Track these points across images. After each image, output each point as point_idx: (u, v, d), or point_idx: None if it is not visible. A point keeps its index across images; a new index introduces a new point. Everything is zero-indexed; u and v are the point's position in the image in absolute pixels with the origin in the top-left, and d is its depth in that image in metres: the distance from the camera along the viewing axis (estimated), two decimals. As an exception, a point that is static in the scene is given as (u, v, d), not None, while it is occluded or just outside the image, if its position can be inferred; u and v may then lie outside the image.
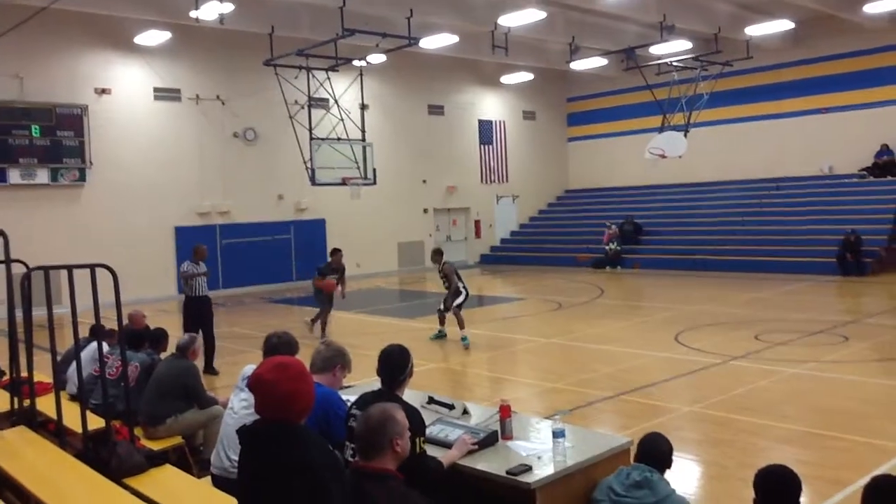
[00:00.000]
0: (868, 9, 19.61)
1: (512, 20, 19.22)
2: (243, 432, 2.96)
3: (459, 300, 12.38)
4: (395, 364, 4.18)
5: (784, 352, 10.81)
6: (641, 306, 16.83)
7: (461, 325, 12.29)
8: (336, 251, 13.95)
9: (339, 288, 13.69)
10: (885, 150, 22.54)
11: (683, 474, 6.44)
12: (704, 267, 21.77)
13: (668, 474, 4.07)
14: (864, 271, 19.26)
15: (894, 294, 16.38)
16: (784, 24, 21.31)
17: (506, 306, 17.48)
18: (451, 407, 5.13)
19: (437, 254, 12.98)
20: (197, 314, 11.05)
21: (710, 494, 6.07)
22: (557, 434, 4.22)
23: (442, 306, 12.74)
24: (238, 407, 5.00)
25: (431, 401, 5.30)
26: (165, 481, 5.05)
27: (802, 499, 5.61)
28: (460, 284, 12.44)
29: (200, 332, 10.36)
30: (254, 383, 2.89)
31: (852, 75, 23.22)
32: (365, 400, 4.11)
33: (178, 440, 6.49)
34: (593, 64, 24.04)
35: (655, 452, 3.95)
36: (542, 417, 7.46)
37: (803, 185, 23.90)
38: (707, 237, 23.24)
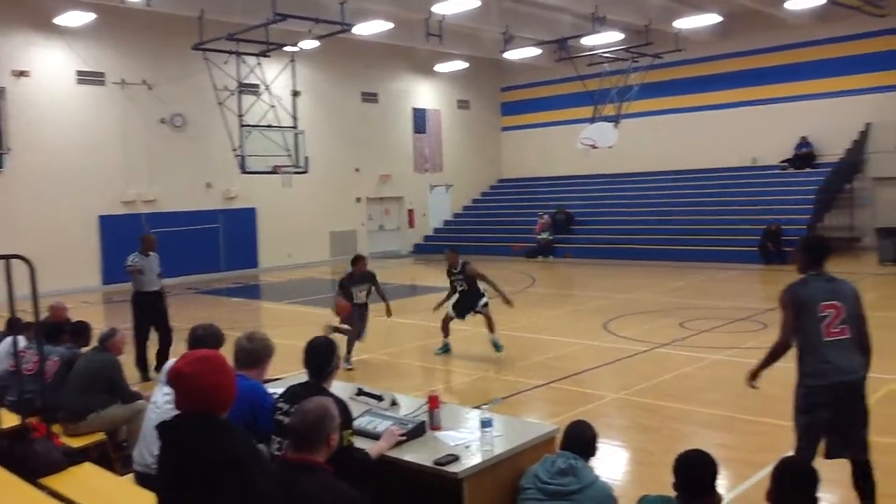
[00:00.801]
0: (790, 5, 20.23)
1: (446, 8, 19.18)
2: (163, 428, 2.90)
3: (485, 299, 10.55)
4: (322, 356, 4.14)
5: (708, 339, 11.12)
6: (573, 295, 17.09)
7: (492, 328, 10.45)
8: (359, 258, 10.58)
9: (358, 312, 10.29)
10: (804, 142, 23.32)
11: (610, 460, 6.57)
12: (634, 256, 22.21)
13: (595, 461, 4.14)
14: (785, 260, 19.91)
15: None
16: (712, 18, 21.81)
17: (438, 296, 17.42)
18: (379, 398, 5.12)
19: (454, 252, 10.92)
20: (150, 311, 10.12)
21: (635, 479, 6.21)
22: (485, 424, 4.26)
23: (452, 313, 10.77)
24: (161, 401, 4.89)
25: (360, 392, 5.28)
26: (85, 479, 4.90)
27: (723, 480, 5.81)
28: (483, 286, 10.60)
29: (153, 329, 10.08)
30: (173, 377, 2.83)
31: (776, 69, 23.94)
32: (293, 393, 4.07)
33: (100, 436, 6.30)
34: (527, 54, 24.21)
35: (580, 440, 4.02)
36: (473, 407, 7.51)
37: (729, 175, 24.56)
38: (637, 227, 23.71)
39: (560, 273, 21.54)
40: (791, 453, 6.14)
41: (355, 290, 10.19)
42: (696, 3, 21.43)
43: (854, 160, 22.51)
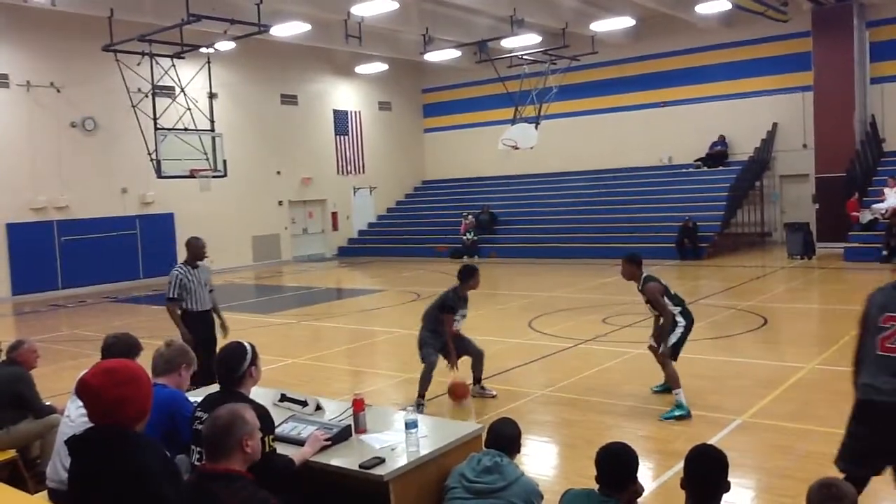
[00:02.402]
0: (699, 9, 20.89)
1: (365, 9, 19.11)
2: (72, 441, 2.79)
3: (676, 336, 7.46)
4: (229, 362, 4.04)
5: (629, 333, 11.37)
6: (497, 294, 17.20)
7: (673, 382, 7.44)
8: (473, 272, 8.59)
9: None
10: (719, 141, 24.12)
11: (536, 456, 6.66)
12: (557, 254, 22.56)
13: (521, 457, 4.18)
14: (701, 255, 20.59)
15: (727, 276, 17.58)
16: (626, 21, 22.34)
17: (364, 298, 17.43)
18: (304, 403, 5.05)
19: (632, 262, 7.66)
20: (202, 335, 7.96)
21: (561, 474, 6.29)
22: (410, 425, 4.25)
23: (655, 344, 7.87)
24: (75, 415, 4.70)
25: (284, 398, 5.21)
26: (-6, 499, 4.67)
27: (646, 471, 5.95)
28: (676, 311, 7.51)
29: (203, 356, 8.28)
30: (80, 389, 2.73)
31: (688, 71, 24.70)
32: (210, 401, 3.97)
33: (10, 454, 6.02)
34: (447, 55, 24.34)
35: (503, 437, 4.05)
36: (400, 409, 7.49)
37: (646, 174, 25.21)
38: (559, 225, 24.10)
39: (485, 273, 21.43)
40: (716, 441, 6.38)
41: (461, 315, 8.24)
42: (611, 6, 21.92)
43: (763, 159, 23.40)
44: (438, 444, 4.31)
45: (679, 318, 7.47)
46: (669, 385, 7.52)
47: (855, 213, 19.55)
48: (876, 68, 21.81)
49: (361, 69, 27.33)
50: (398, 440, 4.33)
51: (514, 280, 19.61)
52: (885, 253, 17.95)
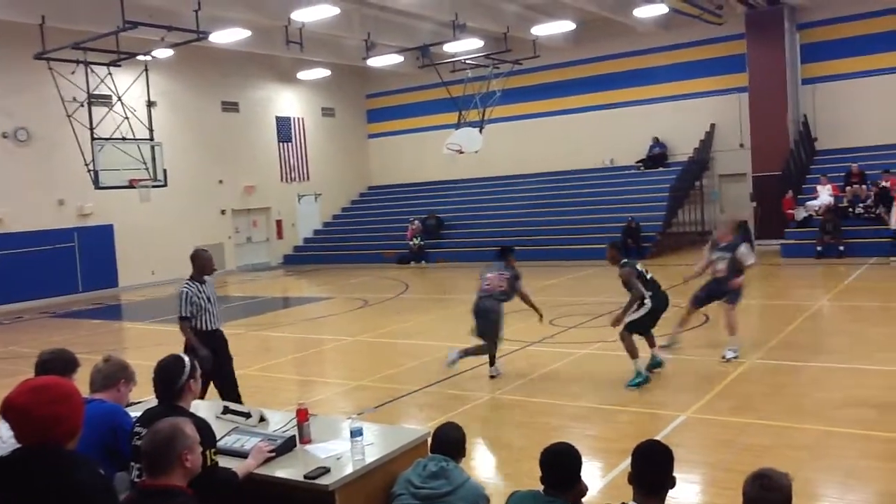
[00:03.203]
0: (637, 13, 21.25)
1: (306, 15, 18.94)
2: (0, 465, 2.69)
3: (638, 314, 8.56)
4: (166, 376, 3.95)
5: (575, 334, 11.50)
6: (446, 299, 17.24)
7: (630, 353, 8.54)
8: (507, 250, 9.99)
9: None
10: (657, 143, 24.56)
11: (484, 459, 6.67)
12: (503, 257, 22.61)
13: (471, 461, 4.17)
14: (644, 255, 20.88)
15: (670, 275, 17.76)
16: (566, 25, 22.60)
17: (312, 306, 17.28)
18: (247, 415, 4.97)
19: (613, 248, 9.13)
20: (215, 354, 7.50)
21: (508, 476, 6.30)
22: (355, 433, 4.21)
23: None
24: (6, 435, 4.54)
25: (227, 410, 5.12)
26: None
27: (594, 470, 6.01)
28: (647, 294, 8.54)
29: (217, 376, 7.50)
30: (4, 409, 2.62)
31: (628, 74, 25.10)
32: (148, 416, 3.88)
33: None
34: (390, 61, 24.29)
35: (448, 441, 4.04)
36: (348, 416, 7.44)
37: (589, 176, 25.52)
38: (505, 229, 24.20)
39: (432, 278, 21.72)
40: (661, 437, 6.47)
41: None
42: (551, 10, 22.16)
43: (702, 159, 23.91)
44: (384, 451, 4.28)
45: (647, 301, 8.46)
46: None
47: (790, 211, 20.08)
48: (807, 69, 22.48)
49: (304, 75, 27.12)
50: (344, 449, 4.29)
51: (463, 284, 19.61)
52: (819, 249, 18.49)
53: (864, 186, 19.44)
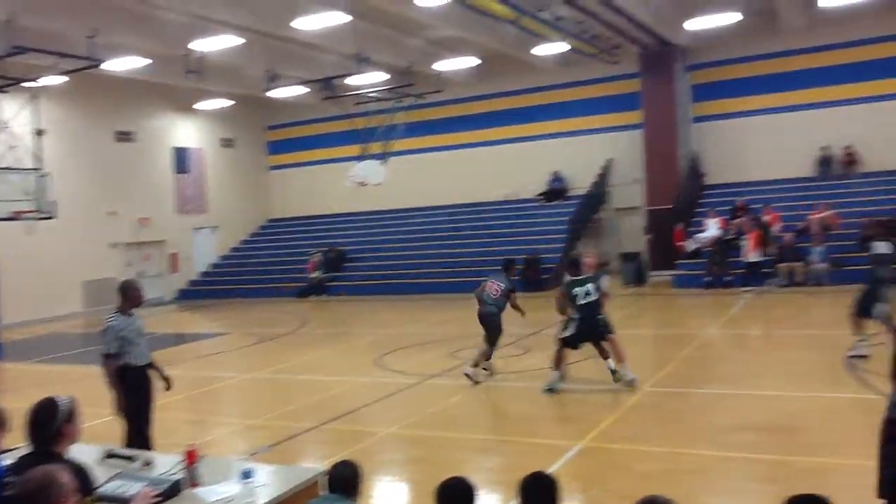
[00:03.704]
0: (537, 51, 21.84)
1: (206, 45, 18.61)
2: None
3: (570, 330, 9.43)
4: (38, 419, 3.72)
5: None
6: (346, 333, 17.04)
7: (553, 363, 9.56)
8: (508, 263, 11.57)
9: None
10: (556, 177, 25.16)
11: (383, 496, 6.55)
12: (406, 290, 22.62)
13: (370, 499, 4.08)
14: (543, 287, 21.25)
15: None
16: (469, 61, 22.99)
17: (206, 343, 16.75)
18: (131, 459, 4.73)
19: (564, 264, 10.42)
20: (147, 392, 7.19)
21: (408, 513, 6.22)
22: (246, 474, 4.07)
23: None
24: None
25: (110, 455, 4.85)
26: None
27: (494, 502, 5.99)
28: (574, 313, 9.40)
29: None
30: None
31: (529, 109, 25.69)
32: (21, 464, 3.63)
33: None
34: (293, 92, 24.11)
35: (342, 480, 3.94)
36: (242, 457, 7.20)
37: (491, 209, 25.87)
38: (408, 261, 24.22)
39: (333, 311, 21.46)
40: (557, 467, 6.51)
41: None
42: (454, 46, 22.52)
43: (599, 192, 24.62)
44: (277, 492, 4.16)
45: (575, 315, 9.32)
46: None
47: (681, 243, 20.87)
48: (697, 108, 23.58)
49: (203, 105, 26.55)
50: (234, 491, 4.12)
51: (363, 317, 19.50)
52: (707, 279, 19.25)
53: (748, 220, 20.41)
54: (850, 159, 21.59)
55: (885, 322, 9.83)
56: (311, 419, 9.02)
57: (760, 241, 18.97)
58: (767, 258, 18.85)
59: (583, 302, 9.22)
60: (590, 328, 9.29)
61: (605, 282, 9.83)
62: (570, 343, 9.45)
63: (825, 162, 21.85)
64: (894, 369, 4.25)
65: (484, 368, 10.42)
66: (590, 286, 9.33)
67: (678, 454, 6.94)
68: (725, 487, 6.19)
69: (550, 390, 9.31)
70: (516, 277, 11.77)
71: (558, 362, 9.44)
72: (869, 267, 10.36)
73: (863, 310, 10.04)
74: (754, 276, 18.64)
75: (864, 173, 21.29)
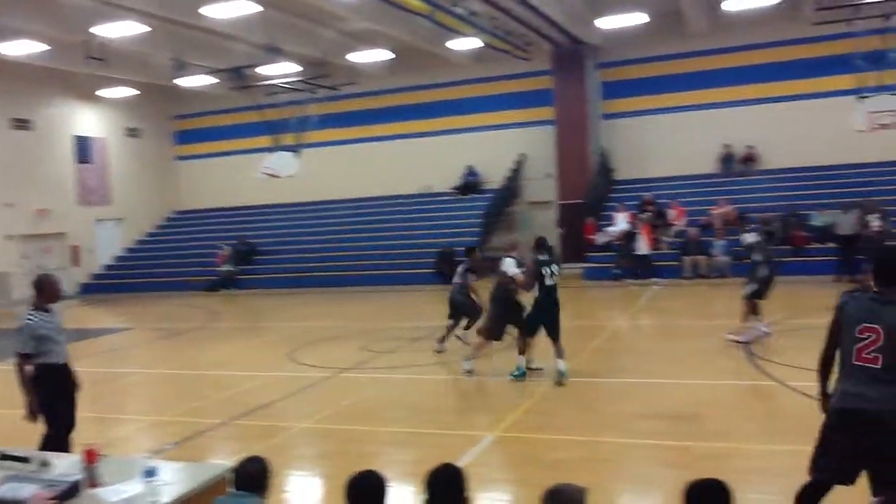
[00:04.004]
0: (451, 45, 21.90)
1: (109, 30, 17.91)
2: None
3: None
4: None
5: (389, 359, 11.49)
6: (257, 327, 16.74)
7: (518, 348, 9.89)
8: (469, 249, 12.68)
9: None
10: (470, 171, 25.32)
11: (298, 492, 6.46)
12: (320, 284, 22.37)
13: (284, 494, 3.99)
14: (459, 280, 21.37)
15: (483, 297, 18.39)
16: (384, 54, 22.86)
17: (110, 338, 16.13)
18: (25, 460, 4.50)
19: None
20: (70, 391, 6.66)
21: (320, 508, 6.15)
22: (149, 473, 3.93)
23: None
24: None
25: (3, 457, 4.61)
26: None
27: (408, 495, 5.97)
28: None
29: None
30: None
31: (444, 103, 25.74)
32: None
33: None
34: (202, 81, 23.47)
35: (248, 476, 3.85)
36: (148, 454, 6.99)
37: (406, 202, 25.82)
38: (321, 254, 23.93)
39: (243, 305, 21.04)
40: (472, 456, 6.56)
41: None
42: (368, 38, 22.34)
43: (512, 186, 24.91)
44: (182, 490, 4.03)
45: (537, 293, 9.43)
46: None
47: (592, 237, 21.33)
48: (607, 105, 24.11)
49: (106, 93, 25.55)
50: (137, 491, 3.98)
51: (275, 312, 19.20)
52: (616, 272, 19.76)
53: (652, 213, 21.05)
54: (750, 157, 22.51)
55: (747, 300, 10.97)
56: (220, 415, 8.81)
57: (652, 236, 19.67)
58: (657, 252, 19.65)
59: (549, 283, 9.39)
60: (549, 308, 9.41)
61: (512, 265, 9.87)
62: (529, 331, 9.55)
63: (727, 159, 22.72)
64: (819, 380, 4.37)
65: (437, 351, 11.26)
66: (554, 267, 9.57)
67: (588, 442, 7.09)
68: (632, 473, 6.36)
69: (517, 376, 9.41)
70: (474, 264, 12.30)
71: (522, 349, 9.56)
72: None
73: (754, 294, 11.01)
74: (646, 269, 19.33)
75: (763, 170, 22.24)
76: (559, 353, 9.34)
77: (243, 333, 16.02)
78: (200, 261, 24.92)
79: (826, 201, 19.30)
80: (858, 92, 17.87)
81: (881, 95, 17.48)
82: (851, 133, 18.47)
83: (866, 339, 4.03)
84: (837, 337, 4.21)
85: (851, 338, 4.08)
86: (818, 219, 18.99)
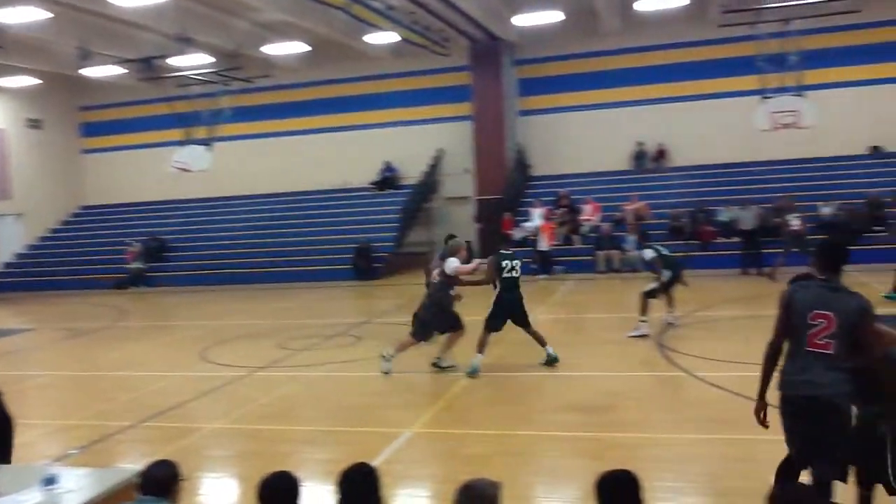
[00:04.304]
0: (368, 39, 21.75)
1: (8, 16, 17.08)
2: None
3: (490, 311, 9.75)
4: None
5: (305, 357, 11.35)
6: (168, 326, 16.29)
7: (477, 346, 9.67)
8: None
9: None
10: (388, 166, 25.23)
11: (212, 495, 6.32)
12: (234, 281, 21.94)
13: (198, 497, 3.88)
14: (375, 275, 21.32)
15: (399, 294, 18.36)
16: (300, 46, 22.52)
17: (11, 339, 15.41)
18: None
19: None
20: None
21: (233, 510, 6.03)
22: (49, 481, 3.78)
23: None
24: None
25: None
26: None
27: (325, 493, 5.90)
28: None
29: None
30: None
31: (362, 97, 25.55)
32: None
33: None
34: (109, 72, 22.66)
35: (154, 481, 3.73)
36: (50, 461, 6.72)
37: (323, 197, 25.55)
38: (236, 251, 23.45)
39: (154, 303, 20.44)
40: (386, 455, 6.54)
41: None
42: (283, 30, 21.98)
43: (430, 182, 24.94)
44: (85, 497, 3.91)
45: (498, 286, 9.72)
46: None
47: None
48: (523, 102, 24.40)
49: (6, 82, 24.35)
50: (35, 500, 3.81)
51: (187, 310, 18.71)
52: (533, 266, 20.02)
53: (568, 210, 21.46)
54: (661, 154, 23.17)
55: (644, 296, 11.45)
56: (129, 417, 8.52)
57: (552, 232, 20.08)
58: (569, 247, 20.31)
59: (507, 275, 9.65)
60: (512, 303, 9.68)
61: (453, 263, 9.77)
62: (493, 327, 9.68)
63: (639, 156, 23.32)
64: (766, 370, 4.39)
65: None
66: (516, 262, 9.82)
67: (503, 436, 7.16)
68: (546, 466, 6.45)
69: (472, 373, 9.36)
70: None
71: (481, 345, 9.60)
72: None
73: (650, 293, 11.45)
74: (546, 264, 19.77)
75: (673, 167, 22.93)
76: (540, 341, 9.80)
77: (154, 332, 15.55)
78: (109, 258, 24.09)
79: (733, 198, 20.04)
80: (762, 93, 18.62)
81: (782, 96, 18.25)
82: (756, 132, 19.23)
83: (818, 325, 4.14)
84: (787, 325, 4.29)
85: (804, 324, 4.18)
86: (724, 214, 19.71)
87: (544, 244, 19.89)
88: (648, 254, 11.73)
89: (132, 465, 6.61)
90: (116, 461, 7.17)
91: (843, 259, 4.33)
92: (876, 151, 21.58)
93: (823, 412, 4.12)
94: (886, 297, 12.42)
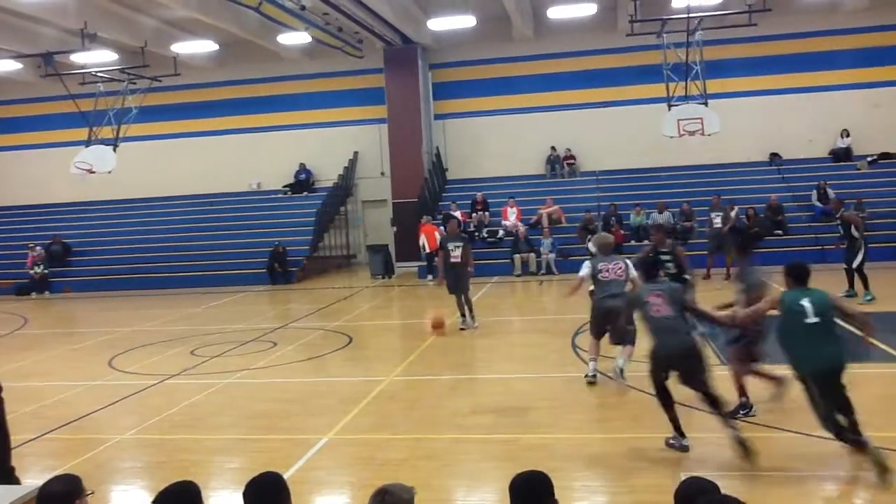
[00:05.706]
0: (281, 39, 21.46)
1: None
2: None
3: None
4: None
5: (219, 363, 11.10)
6: (73, 333, 15.65)
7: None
8: (449, 218, 13.95)
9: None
10: (302, 169, 24.94)
11: (114, 509, 6.11)
12: (144, 286, 21.29)
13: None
14: (291, 279, 21.05)
15: (316, 298, 18.19)
16: (208, 45, 22.02)
17: None
18: None
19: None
20: None
21: (142, 524, 5.85)
22: (-59, 500, 3.57)
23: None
24: None
25: None
26: None
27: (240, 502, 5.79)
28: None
29: None
30: None
31: (274, 98, 25.23)
32: None
33: None
34: (6, 67, 21.68)
35: (52, 497, 3.56)
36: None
37: (235, 200, 25.07)
38: (145, 255, 22.79)
39: (57, 310, 19.63)
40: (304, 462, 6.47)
41: (450, 247, 12.36)
42: (192, 28, 21.47)
43: (346, 185, 24.80)
44: (-20, 516, 3.70)
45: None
46: None
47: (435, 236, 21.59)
48: (439, 106, 24.53)
49: None
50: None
51: (93, 316, 18.04)
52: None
53: (486, 213, 21.67)
54: (572, 159, 23.67)
55: None
56: (31, 430, 8.15)
57: (433, 237, 20.04)
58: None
59: (453, 261, 12.02)
60: (456, 280, 12.27)
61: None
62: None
63: (553, 161, 23.76)
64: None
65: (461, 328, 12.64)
66: (458, 242, 12.27)
67: (419, 440, 7.18)
68: (461, 469, 6.50)
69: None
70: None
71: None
72: None
73: None
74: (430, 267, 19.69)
75: (586, 172, 23.47)
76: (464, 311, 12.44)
77: (57, 340, 14.90)
78: (8, 262, 23.07)
79: (642, 202, 20.63)
80: (668, 101, 19.25)
81: (687, 104, 18.90)
82: (664, 138, 19.86)
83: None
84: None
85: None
86: (634, 219, 20.28)
87: (430, 249, 19.69)
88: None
89: (33, 480, 6.35)
90: (19, 476, 6.85)
91: (655, 268, 6.77)
92: (775, 159, 22.64)
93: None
94: (864, 301, 12.64)
